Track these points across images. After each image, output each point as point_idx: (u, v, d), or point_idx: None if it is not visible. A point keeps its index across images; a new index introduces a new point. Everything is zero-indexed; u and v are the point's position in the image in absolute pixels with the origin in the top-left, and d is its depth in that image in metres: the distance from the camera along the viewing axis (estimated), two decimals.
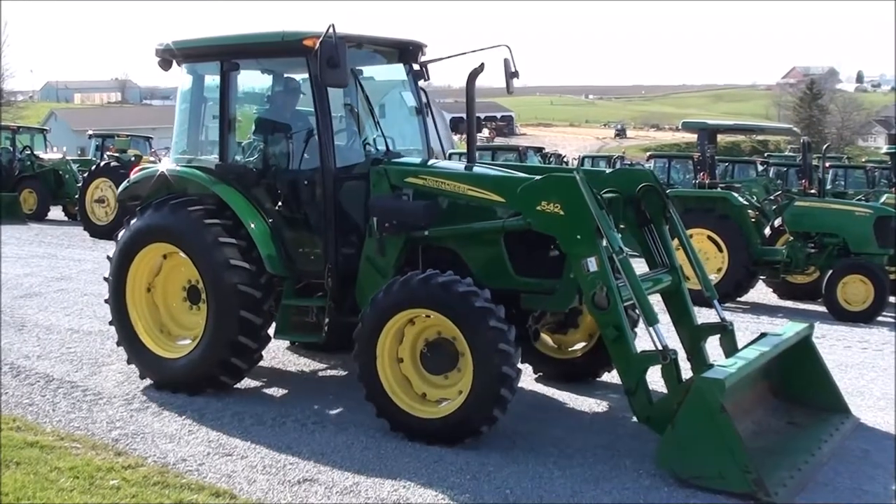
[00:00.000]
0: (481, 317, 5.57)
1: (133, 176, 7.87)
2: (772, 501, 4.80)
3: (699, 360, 6.24)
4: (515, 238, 6.19)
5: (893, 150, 17.28)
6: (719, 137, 14.16)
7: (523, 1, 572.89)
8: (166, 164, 7.49)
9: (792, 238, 12.19)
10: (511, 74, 7.19)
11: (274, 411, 6.54)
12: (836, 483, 5.30)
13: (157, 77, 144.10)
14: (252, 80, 7.48)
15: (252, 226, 6.76)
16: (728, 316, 6.64)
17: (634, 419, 5.65)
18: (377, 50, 7.42)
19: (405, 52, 7.47)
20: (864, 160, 36.47)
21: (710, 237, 12.14)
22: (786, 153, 40.77)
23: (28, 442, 5.71)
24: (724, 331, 6.30)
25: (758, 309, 12.12)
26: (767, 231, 12.76)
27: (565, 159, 42.03)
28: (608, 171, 7.69)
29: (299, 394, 7.06)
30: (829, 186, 22.00)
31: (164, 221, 6.89)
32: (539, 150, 31.98)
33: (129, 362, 7.26)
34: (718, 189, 13.01)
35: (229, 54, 6.99)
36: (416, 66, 7.52)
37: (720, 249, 12.09)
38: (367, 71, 7.51)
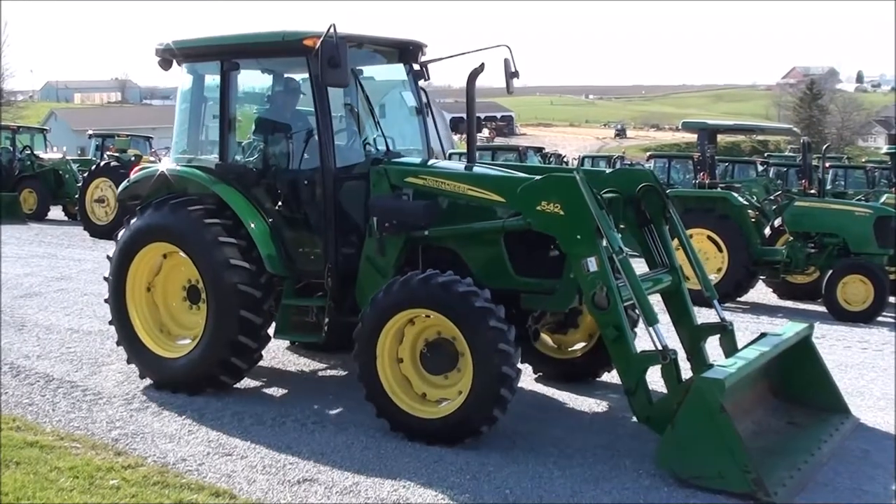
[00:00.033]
0: (481, 317, 5.57)
1: (133, 175, 7.87)
2: (771, 501, 4.80)
3: (699, 360, 6.24)
4: (515, 238, 6.19)
5: (893, 151, 17.28)
6: (719, 137, 14.16)
7: (523, 1, 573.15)
8: (166, 164, 7.49)
9: (792, 238, 12.19)
10: (511, 74, 7.19)
11: (274, 411, 6.54)
12: (836, 483, 5.30)
13: (157, 77, 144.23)
14: (252, 79, 7.48)
15: (252, 225, 6.76)
16: (728, 316, 6.64)
17: (634, 419, 5.65)
18: (377, 50, 7.42)
19: (405, 51, 7.47)
20: (864, 160, 36.48)
21: (710, 237, 12.14)
22: (786, 153, 40.77)
23: (28, 442, 5.71)
24: (724, 331, 6.31)
25: (758, 309, 12.12)
26: (767, 231, 12.77)
27: (565, 159, 42.03)
28: (608, 171, 7.68)
29: (299, 394, 7.06)
30: (829, 186, 22.01)
31: (164, 221, 6.89)
32: (539, 150, 31.99)
33: (128, 362, 7.26)
34: (718, 189, 13.01)
35: (229, 54, 6.99)
36: (416, 66, 7.53)
37: (720, 249, 12.09)
38: (368, 71, 7.51)
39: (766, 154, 42.99)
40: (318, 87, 6.52)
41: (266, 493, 5.08)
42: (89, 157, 27.07)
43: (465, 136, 15.47)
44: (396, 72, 7.58)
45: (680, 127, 19.66)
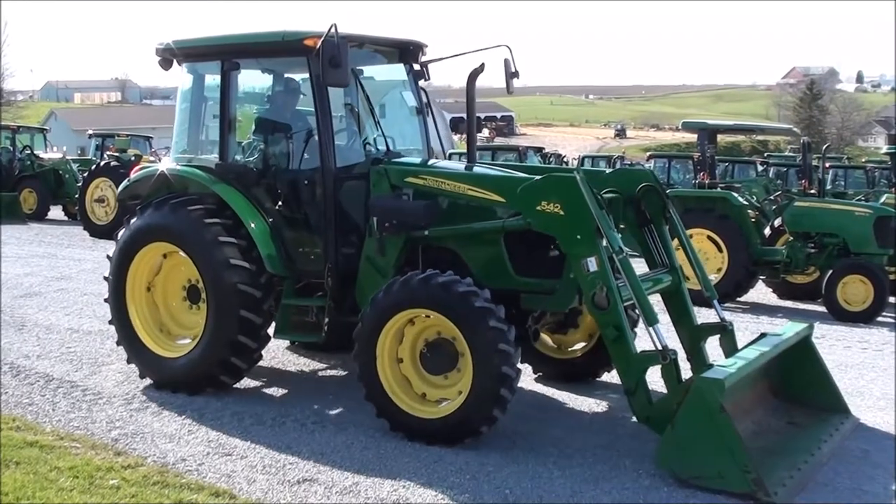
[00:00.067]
0: (481, 317, 5.57)
1: (133, 175, 7.86)
2: (771, 501, 4.80)
3: (699, 360, 6.24)
4: (515, 238, 6.19)
5: (893, 151, 17.27)
6: (719, 137, 14.16)
7: (523, 1, 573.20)
8: (166, 164, 7.48)
9: (792, 238, 12.19)
10: (511, 74, 7.19)
11: (274, 411, 6.54)
12: (836, 483, 5.30)
13: (157, 77, 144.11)
14: (252, 79, 7.48)
15: (252, 225, 6.76)
16: (728, 316, 6.65)
17: (634, 419, 5.65)
18: (378, 50, 7.42)
19: (406, 51, 7.47)
20: (863, 160, 36.49)
21: (709, 237, 12.14)
22: (786, 153, 40.77)
23: (28, 441, 5.71)
24: (724, 331, 6.31)
25: (757, 309, 12.12)
26: (767, 231, 12.77)
27: (565, 159, 42.03)
28: (608, 171, 7.69)
29: (299, 394, 7.06)
30: (828, 186, 22.01)
31: (164, 221, 6.88)
32: (539, 150, 31.99)
33: (128, 362, 7.26)
34: (718, 189, 13.01)
35: (230, 54, 6.99)
36: (416, 66, 7.53)
37: (720, 249, 12.09)
38: (368, 71, 7.51)
39: (765, 154, 43.00)
40: (319, 86, 6.52)
41: (266, 493, 5.08)
42: (89, 157, 27.06)
43: (465, 136, 15.48)
44: (397, 72, 7.58)
45: (680, 127, 19.67)
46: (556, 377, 7.37)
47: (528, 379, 7.25)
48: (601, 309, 5.55)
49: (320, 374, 7.81)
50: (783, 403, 6.27)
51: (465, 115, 7.27)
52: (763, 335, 6.23)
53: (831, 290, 11.31)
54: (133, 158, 20.95)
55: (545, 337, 7.30)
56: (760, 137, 67.66)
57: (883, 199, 15.82)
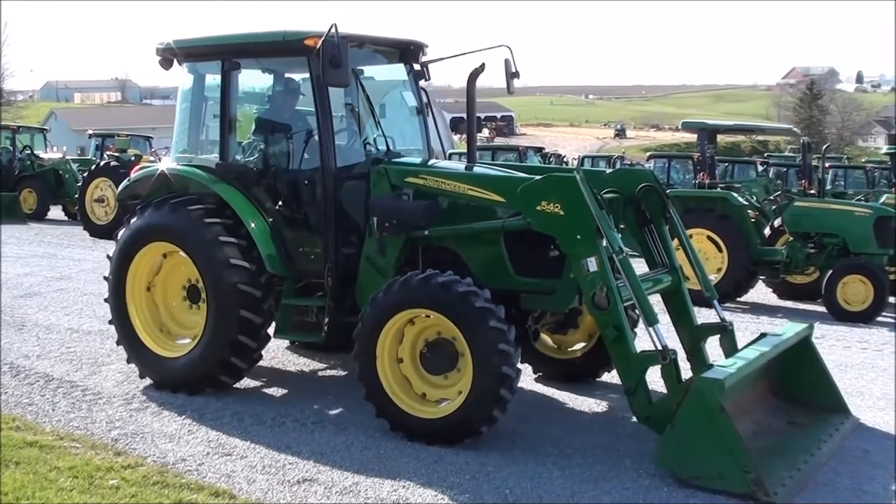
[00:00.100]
0: (481, 317, 5.57)
1: (133, 175, 7.86)
2: (771, 501, 4.80)
3: (699, 360, 6.24)
4: (515, 238, 6.19)
5: (893, 151, 17.29)
6: (719, 138, 14.16)
7: (523, 1, 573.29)
8: (167, 164, 7.48)
9: (792, 238, 12.19)
10: (512, 75, 7.19)
11: (273, 411, 6.54)
12: (836, 483, 5.30)
13: (157, 77, 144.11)
14: (253, 79, 7.48)
15: (252, 225, 6.76)
16: (728, 316, 6.64)
17: (634, 419, 5.65)
18: (378, 50, 7.42)
19: (406, 52, 7.47)
20: (863, 160, 36.50)
21: (709, 237, 12.14)
22: (786, 153, 40.78)
23: (27, 441, 5.71)
24: (724, 331, 6.31)
25: (757, 309, 12.12)
26: (767, 231, 12.77)
27: (565, 159, 42.04)
28: (608, 171, 7.69)
29: (299, 394, 7.06)
30: (828, 187, 22.03)
31: (164, 220, 6.88)
32: (539, 150, 31.97)
33: (128, 362, 7.26)
34: (718, 189, 13.02)
35: (230, 54, 6.99)
36: (416, 66, 7.52)
37: (720, 249, 12.09)
38: (368, 71, 7.51)
39: (765, 154, 42.99)
40: (319, 86, 6.52)
41: (266, 493, 5.08)
42: (89, 157, 27.07)
43: (465, 136, 15.48)
44: (397, 72, 7.58)
45: (680, 127, 19.67)
46: (556, 377, 7.37)
47: (528, 379, 7.25)
48: (601, 309, 5.55)
49: (320, 374, 7.81)
50: (783, 403, 6.27)
51: (465, 115, 7.27)
52: (763, 335, 6.23)
53: (831, 290, 11.31)
54: (133, 158, 20.95)
55: (545, 337, 7.30)
56: (760, 137, 67.67)
57: (883, 199, 15.83)
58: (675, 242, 6.54)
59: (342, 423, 6.27)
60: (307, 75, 6.74)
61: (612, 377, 7.10)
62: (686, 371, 5.79)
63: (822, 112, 75.81)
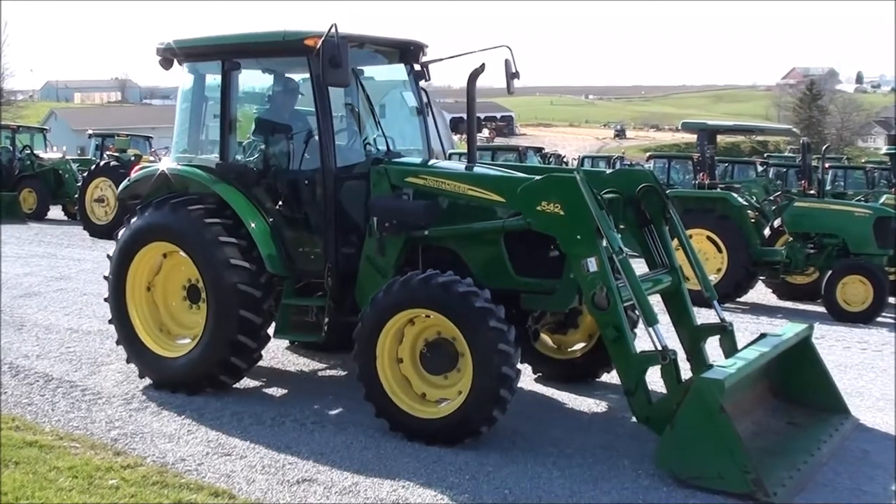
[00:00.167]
0: (481, 317, 5.57)
1: (134, 175, 7.86)
2: (771, 501, 4.80)
3: (699, 360, 6.24)
4: (515, 238, 6.19)
5: (893, 151, 17.30)
6: (719, 138, 14.16)
7: (523, 1, 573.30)
8: (167, 163, 7.49)
9: (791, 239, 12.19)
10: (512, 75, 7.19)
11: (273, 411, 6.53)
12: (836, 483, 5.30)
13: (157, 76, 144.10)
14: (253, 79, 7.48)
15: (252, 225, 6.76)
16: (728, 316, 6.65)
17: (633, 419, 5.64)
18: (378, 50, 7.42)
19: (406, 52, 7.47)
20: (863, 161, 36.53)
21: (709, 238, 12.14)
22: (785, 154, 40.78)
23: (27, 441, 5.71)
24: (724, 331, 6.31)
25: (757, 309, 12.12)
26: (767, 232, 12.77)
27: (565, 159, 42.03)
28: (608, 171, 7.69)
29: (298, 394, 7.06)
30: (828, 187, 22.05)
31: (164, 220, 6.88)
32: (539, 150, 31.95)
33: (128, 361, 7.26)
34: (718, 189, 13.02)
35: (230, 54, 6.99)
36: (416, 67, 7.52)
37: (720, 250, 12.10)
38: (368, 71, 7.51)
39: (765, 154, 43.02)
40: (319, 86, 6.52)
41: (265, 493, 5.08)
42: (89, 157, 27.07)
43: (465, 136, 15.48)
44: (397, 72, 7.58)
45: (680, 127, 19.68)
46: (555, 377, 7.37)
47: (528, 379, 7.25)
48: (601, 309, 5.55)
49: (320, 374, 7.81)
50: (783, 404, 6.27)
51: (465, 115, 7.27)
52: (763, 335, 6.23)
53: (831, 290, 11.31)
54: (133, 158, 20.96)
55: (545, 337, 7.30)
56: (760, 138, 67.75)
57: (882, 199, 15.84)
58: (675, 243, 6.54)
59: (342, 423, 6.27)
60: (307, 75, 6.74)
61: (611, 377, 7.10)
62: (686, 371, 5.79)
63: (822, 112, 75.84)
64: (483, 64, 6.99)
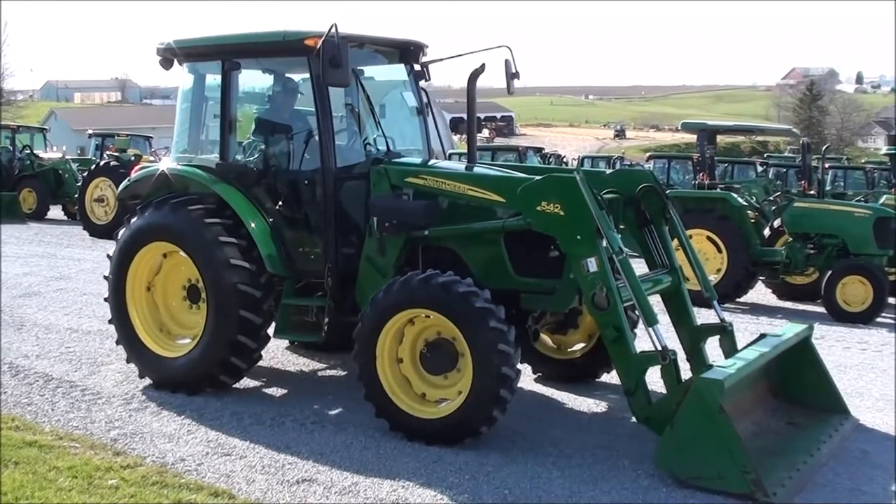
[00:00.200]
0: (481, 317, 5.57)
1: (134, 175, 7.87)
2: (770, 502, 4.80)
3: (699, 360, 6.24)
4: (515, 238, 6.19)
5: (893, 152, 17.28)
6: (719, 138, 14.17)
7: (523, 1, 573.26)
8: (167, 163, 7.49)
9: (791, 239, 12.19)
10: (512, 75, 7.19)
11: (273, 411, 6.53)
12: (835, 484, 5.30)
13: (157, 76, 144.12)
14: (253, 79, 7.48)
15: (252, 225, 6.76)
16: (727, 317, 6.65)
17: (633, 419, 5.65)
18: (378, 50, 7.42)
19: (406, 52, 7.47)
20: (863, 161, 36.54)
21: (709, 238, 12.14)
22: (785, 154, 40.80)
23: (27, 441, 5.71)
24: (724, 331, 6.31)
25: (757, 310, 12.12)
26: (767, 232, 12.77)
27: (565, 160, 42.04)
28: (608, 171, 7.69)
29: (298, 394, 7.06)
30: (828, 187, 22.05)
31: (164, 220, 6.88)
32: (539, 150, 31.93)
33: (128, 361, 7.26)
34: (718, 190, 13.02)
35: (231, 54, 6.99)
36: (417, 67, 7.53)
37: (720, 250, 12.10)
38: (368, 71, 7.51)
39: (765, 155, 43.03)
40: (320, 86, 6.52)
41: (265, 493, 5.08)
42: (89, 157, 27.08)
43: (465, 136, 15.49)
44: (397, 72, 7.59)
45: (679, 127, 19.69)
46: (555, 377, 7.37)
47: (527, 379, 7.25)
48: (601, 309, 5.55)
49: (320, 374, 7.81)
50: (783, 404, 6.27)
51: (465, 116, 7.28)
52: (763, 336, 6.23)
53: (830, 290, 11.31)
54: (133, 158, 20.97)
55: (545, 337, 7.30)
56: (760, 138, 67.79)
57: (882, 199, 15.84)
58: (675, 243, 6.54)
59: (342, 423, 6.27)
60: (307, 75, 6.74)
61: (611, 377, 7.10)
62: (686, 371, 5.79)
63: (822, 113, 75.84)
64: (483, 64, 6.99)
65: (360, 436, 6.00)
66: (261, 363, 7.16)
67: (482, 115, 77.83)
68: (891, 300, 11.57)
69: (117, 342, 7.33)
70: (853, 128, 77.73)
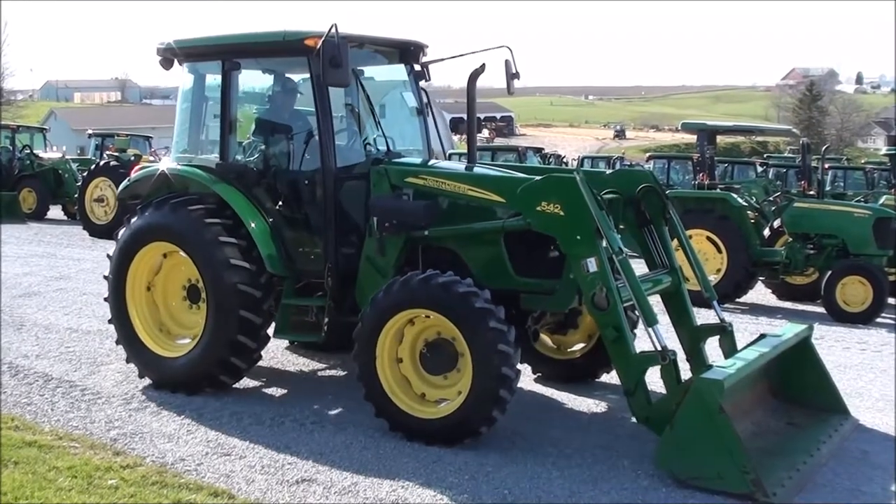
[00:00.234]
0: (481, 317, 5.57)
1: (134, 174, 7.87)
2: (770, 502, 4.80)
3: (698, 360, 6.24)
4: (515, 238, 6.19)
5: (893, 152, 17.32)
6: (719, 138, 14.17)
7: (523, 1, 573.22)
8: (167, 163, 7.49)
9: (791, 239, 12.19)
10: (512, 75, 7.19)
11: (272, 411, 6.53)
12: (835, 484, 5.30)
13: (157, 76, 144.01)
14: (253, 79, 7.48)
15: (252, 225, 6.76)
16: (727, 317, 6.65)
17: (633, 420, 5.65)
18: (378, 50, 7.42)
19: (406, 52, 7.47)
20: (863, 161, 36.56)
21: (709, 238, 12.14)
22: (785, 154, 40.82)
23: (26, 441, 5.70)
24: (724, 332, 6.31)
25: (757, 310, 12.13)
26: (767, 232, 12.77)
27: (565, 160, 42.02)
28: (608, 171, 7.69)
29: (298, 394, 7.06)
30: (828, 188, 22.06)
31: (164, 220, 6.88)
32: (538, 150, 31.92)
33: (128, 361, 7.26)
34: (718, 190, 13.03)
35: (231, 54, 6.99)
36: (417, 67, 7.53)
37: (719, 250, 12.10)
38: (368, 71, 7.52)
39: (765, 155, 43.04)
40: (320, 86, 6.52)
41: (265, 493, 5.08)
42: (89, 157, 27.08)
43: (465, 136, 15.49)
44: (397, 72, 7.59)
45: (679, 128, 19.71)
46: (555, 377, 7.37)
47: (527, 379, 7.25)
48: (601, 309, 5.55)
49: (320, 374, 7.81)
50: (782, 404, 6.27)
51: (465, 116, 7.28)
52: (762, 336, 6.24)
53: (830, 291, 11.31)
54: (133, 158, 20.98)
55: (545, 337, 7.30)
56: (760, 138, 67.84)
57: (882, 200, 15.85)
58: (675, 243, 6.54)
59: (341, 423, 6.27)
60: (307, 75, 6.74)
61: (611, 377, 7.11)
62: (685, 372, 5.79)
63: (822, 113, 75.86)
64: (483, 64, 6.99)
65: (360, 436, 6.00)
66: (261, 363, 7.16)
67: (482, 116, 77.84)
68: (891, 300, 11.57)
69: (117, 342, 7.34)
70: (853, 128, 77.76)
